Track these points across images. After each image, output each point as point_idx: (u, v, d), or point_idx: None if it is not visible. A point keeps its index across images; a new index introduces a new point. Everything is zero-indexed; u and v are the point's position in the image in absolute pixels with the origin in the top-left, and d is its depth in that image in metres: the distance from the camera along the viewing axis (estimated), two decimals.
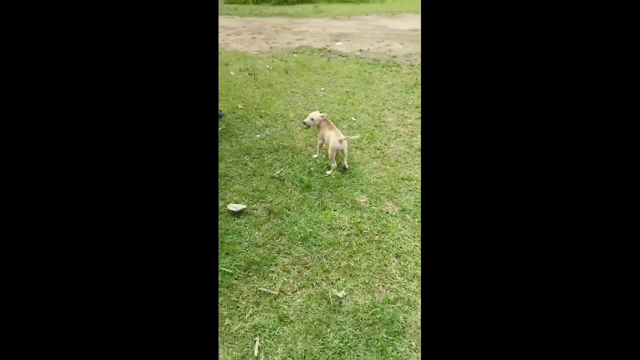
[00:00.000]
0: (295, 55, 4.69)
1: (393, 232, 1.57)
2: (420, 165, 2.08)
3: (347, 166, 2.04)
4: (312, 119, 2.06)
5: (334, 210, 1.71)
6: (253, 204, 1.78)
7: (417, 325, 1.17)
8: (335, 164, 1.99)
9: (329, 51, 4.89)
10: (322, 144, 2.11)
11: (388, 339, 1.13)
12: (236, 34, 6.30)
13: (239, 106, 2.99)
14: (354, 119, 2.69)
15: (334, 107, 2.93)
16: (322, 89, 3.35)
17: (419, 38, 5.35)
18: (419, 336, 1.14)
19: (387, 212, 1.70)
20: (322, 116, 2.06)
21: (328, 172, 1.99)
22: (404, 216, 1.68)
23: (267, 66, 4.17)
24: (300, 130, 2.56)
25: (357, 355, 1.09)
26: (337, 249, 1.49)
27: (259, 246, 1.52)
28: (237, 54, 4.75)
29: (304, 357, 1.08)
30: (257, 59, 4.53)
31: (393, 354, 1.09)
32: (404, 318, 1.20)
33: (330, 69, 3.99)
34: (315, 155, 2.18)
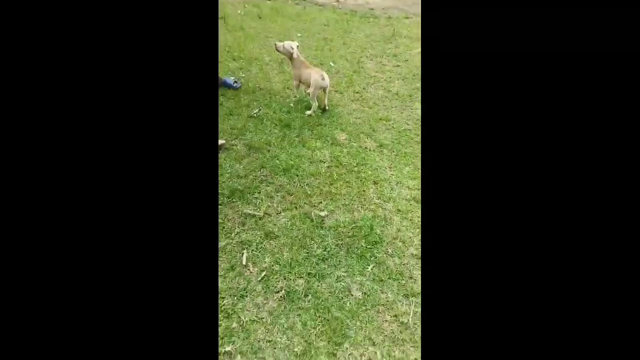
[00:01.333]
0: (268, 2, 4.39)
1: (371, 164, 1.65)
2: (396, 108, 2.14)
3: (327, 107, 2.04)
4: (284, 47, 1.98)
5: (315, 145, 1.74)
6: (232, 140, 1.76)
7: (392, 236, 1.29)
8: (317, 103, 1.99)
9: (304, 0, 4.63)
10: (298, 85, 2.07)
11: (367, 247, 1.24)
12: None
13: None
14: (332, 64, 2.66)
15: (312, 52, 2.85)
16: (299, 34, 3.22)
17: None
18: (395, 245, 1.26)
19: (365, 148, 1.77)
20: (293, 47, 1.96)
21: (308, 112, 1.99)
22: (382, 150, 1.76)
23: (239, 11, 3.88)
24: (277, 72, 2.49)
25: (339, 261, 1.19)
26: (318, 179, 1.55)
27: (241, 177, 1.53)
28: None
29: (290, 264, 1.16)
30: (226, 4, 4.19)
31: (372, 258, 1.20)
32: (381, 230, 1.31)
33: (306, 16, 3.81)
34: (294, 97, 2.15)
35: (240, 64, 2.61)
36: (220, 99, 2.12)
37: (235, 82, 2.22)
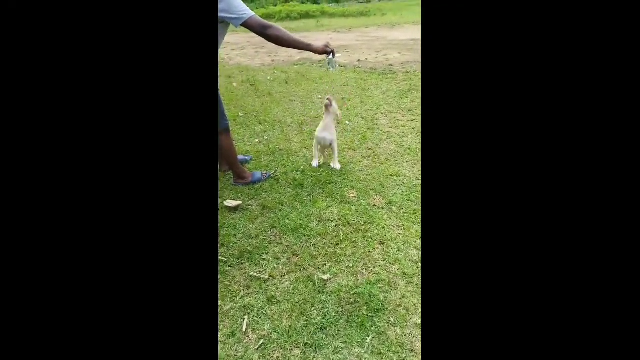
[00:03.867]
0: (295, 67, 4.91)
1: (379, 222, 1.66)
2: (408, 163, 2.17)
3: (336, 166, 2.12)
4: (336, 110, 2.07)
5: (324, 204, 1.81)
6: (248, 201, 1.90)
7: (395, 303, 1.25)
8: (316, 160, 2.14)
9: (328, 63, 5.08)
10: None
11: (368, 315, 1.21)
12: (240, 49, 6.61)
13: (240, 114, 3.16)
14: (348, 123, 2.82)
15: None
16: (319, 96, 3.51)
17: (416, 47, 5.55)
18: (398, 313, 1.21)
19: (374, 205, 1.79)
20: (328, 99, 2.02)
21: (314, 164, 2.16)
22: (390, 208, 1.76)
23: (269, 77, 4.38)
24: (297, 133, 2.69)
25: (338, 330, 1.17)
26: (325, 238, 1.58)
27: (252, 237, 1.62)
28: (240, 67, 4.99)
29: (288, 332, 1.16)
30: (259, 71, 4.76)
31: (372, 328, 1.16)
32: (384, 297, 1.27)
33: (328, 78, 4.17)
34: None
35: (264, 126, 2.88)
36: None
37: (264, 174, 2.09)
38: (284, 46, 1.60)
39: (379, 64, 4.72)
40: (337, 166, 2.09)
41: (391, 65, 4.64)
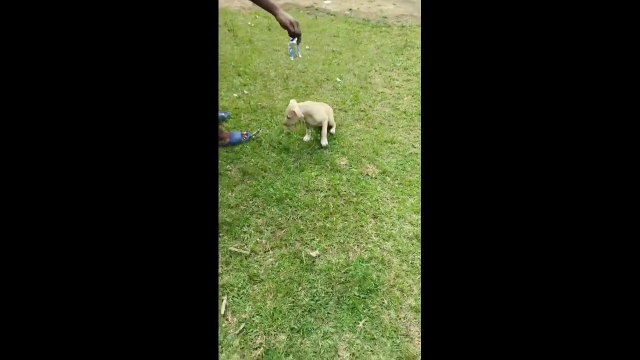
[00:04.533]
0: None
1: (371, 194, 1.52)
2: (403, 128, 2.00)
3: (323, 142, 1.79)
4: (289, 118, 1.63)
5: (312, 173, 1.64)
6: (227, 165, 1.69)
7: (389, 283, 1.16)
8: (308, 135, 1.84)
9: (316, 9, 4.56)
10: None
11: (360, 296, 1.11)
12: None
13: None
14: (339, 80, 2.55)
15: (319, 67, 2.76)
16: (307, 47, 3.14)
17: None
18: (392, 294, 1.13)
19: (367, 175, 1.64)
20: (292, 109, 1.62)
21: (305, 139, 1.87)
22: (384, 178, 1.62)
23: (249, 23, 3.86)
24: (281, 89, 2.41)
25: (328, 313, 1.07)
26: (313, 210, 1.44)
27: (231, 207, 1.45)
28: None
29: (273, 315, 1.05)
30: (237, 14, 4.19)
31: (364, 311, 1.08)
32: (377, 276, 1.18)
33: (316, 27, 3.73)
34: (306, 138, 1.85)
35: (244, 79, 2.55)
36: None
37: (244, 134, 1.84)
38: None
39: (372, 15, 4.28)
40: (325, 143, 1.79)
41: (385, 17, 4.22)
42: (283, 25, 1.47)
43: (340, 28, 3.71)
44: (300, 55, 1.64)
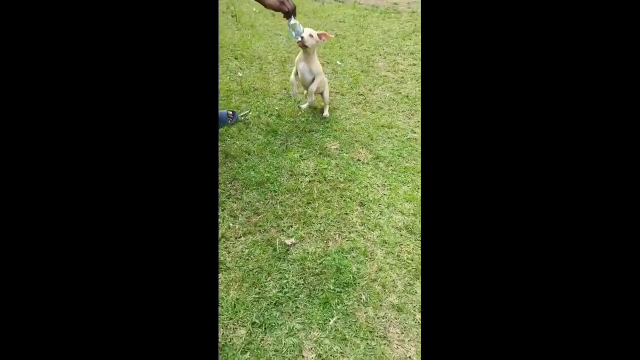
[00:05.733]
0: None
1: (361, 180, 1.38)
2: (404, 113, 1.85)
3: (326, 114, 1.77)
4: (311, 35, 1.53)
5: (298, 155, 1.51)
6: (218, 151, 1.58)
7: (370, 277, 1.02)
8: (304, 100, 1.76)
9: (291, 29, 4.41)
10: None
11: (335, 290, 0.98)
12: None
13: None
14: (339, 63, 2.40)
15: (320, 50, 2.61)
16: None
17: None
18: (371, 289, 0.99)
19: (358, 160, 1.50)
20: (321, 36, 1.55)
21: (303, 106, 1.78)
22: (377, 164, 1.48)
23: (254, 9, 3.75)
24: (277, 72, 2.29)
25: (296, 307, 0.95)
26: (294, 196, 1.31)
27: None
28: None
29: (234, 307, 0.94)
30: (243, 1, 4.09)
31: (338, 307, 0.95)
32: (357, 269, 1.04)
33: (323, 12, 3.59)
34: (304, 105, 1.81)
35: (240, 62, 2.45)
36: None
37: (230, 115, 1.71)
38: None
39: (382, 2, 4.09)
40: (327, 114, 1.73)
41: (396, 4, 4.02)
42: (274, 8, 1.30)
43: (347, 14, 3.55)
44: (302, 31, 1.50)
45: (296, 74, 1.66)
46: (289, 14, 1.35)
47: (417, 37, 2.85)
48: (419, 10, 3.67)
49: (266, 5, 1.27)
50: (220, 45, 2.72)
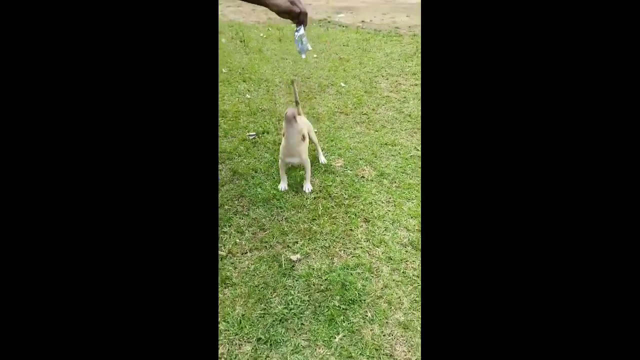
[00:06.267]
0: (293, 25, 4.44)
1: (365, 197, 1.40)
2: (407, 131, 1.89)
3: (307, 189, 1.44)
4: (304, 137, 1.37)
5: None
6: (218, 165, 1.63)
7: (376, 294, 1.02)
8: (284, 183, 1.46)
9: (329, 22, 4.62)
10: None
11: (340, 307, 0.98)
12: (236, 6, 6.03)
13: (223, 70, 2.81)
14: (343, 85, 2.49)
15: (324, 73, 2.72)
16: (315, 56, 3.13)
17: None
18: (377, 306, 0.98)
19: (362, 177, 1.53)
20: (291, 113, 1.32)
21: (281, 187, 1.46)
22: (381, 181, 1.50)
23: (261, 34, 3.94)
24: (284, 94, 2.37)
25: (302, 324, 0.94)
26: (300, 212, 1.34)
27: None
28: (233, 24, 4.52)
29: (240, 322, 0.94)
30: (252, 28, 4.31)
31: (344, 324, 0.94)
32: (363, 285, 1.04)
33: (327, 37, 3.74)
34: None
35: (249, 85, 2.55)
36: (219, 120, 2.04)
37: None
38: None
39: (384, 26, 4.26)
40: (309, 189, 1.44)
41: (398, 27, 4.19)
42: (283, 12, 1.04)
43: (351, 38, 3.70)
44: (310, 48, 1.29)
45: (284, 166, 1.45)
46: (300, 18, 1.11)
47: (419, 59, 2.94)
48: (420, 33, 3.82)
49: (274, 7, 1.04)
50: (229, 69, 2.85)
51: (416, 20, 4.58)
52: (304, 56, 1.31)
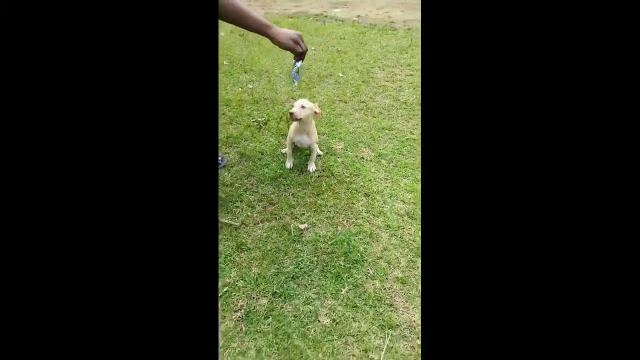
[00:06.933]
0: (290, 19, 4.52)
1: (365, 175, 1.52)
2: (403, 117, 2.00)
3: (311, 168, 1.55)
4: (303, 107, 1.37)
5: (308, 154, 1.65)
6: (226, 149, 1.73)
7: (376, 255, 1.14)
8: (290, 162, 1.57)
9: (325, 16, 4.70)
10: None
11: (345, 266, 1.10)
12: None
13: (224, 62, 2.89)
14: (341, 75, 2.59)
15: (323, 64, 2.82)
16: (313, 48, 3.22)
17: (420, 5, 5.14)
18: (378, 265, 1.10)
19: (362, 158, 1.64)
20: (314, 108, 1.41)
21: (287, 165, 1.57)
22: (379, 161, 1.62)
23: None
24: (284, 84, 2.47)
25: (311, 280, 1.06)
26: (305, 189, 1.45)
27: (227, 185, 1.48)
28: None
29: (256, 280, 1.05)
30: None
31: (348, 279, 1.06)
32: (364, 249, 1.16)
33: (324, 31, 3.84)
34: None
35: (250, 76, 2.64)
36: (224, 108, 2.13)
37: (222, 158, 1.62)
38: (237, 24, 1.07)
39: (379, 20, 4.37)
40: (313, 168, 1.55)
41: (392, 22, 4.30)
42: (285, 47, 1.12)
43: (347, 31, 3.80)
44: (302, 78, 1.35)
45: (292, 145, 1.53)
46: (301, 55, 1.19)
47: (413, 51, 3.06)
48: (415, 27, 3.93)
49: (279, 44, 1.13)
50: (230, 61, 2.93)
51: (410, 15, 4.69)
52: (296, 84, 1.36)
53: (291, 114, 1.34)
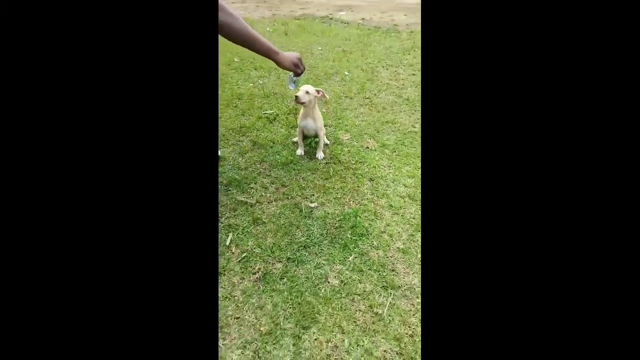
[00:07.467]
0: (297, 20, 4.67)
1: (370, 162, 1.64)
2: (405, 112, 2.12)
3: (319, 156, 1.66)
4: (308, 92, 1.52)
5: (317, 142, 1.77)
6: (239, 137, 1.85)
7: (380, 230, 1.25)
8: (301, 149, 1.70)
9: (331, 19, 4.86)
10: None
11: (352, 238, 1.22)
12: (241, 2, 6.24)
13: (235, 60, 3.02)
14: (347, 73, 2.72)
15: (329, 63, 2.95)
16: (320, 48, 3.36)
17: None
18: (381, 238, 1.22)
19: (367, 147, 1.77)
20: (318, 92, 1.56)
21: (298, 152, 1.70)
22: (383, 150, 1.74)
23: (268, 29, 4.17)
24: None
25: (321, 249, 1.17)
26: (315, 173, 1.57)
27: (241, 169, 1.60)
28: None
29: (272, 248, 1.17)
30: (258, 23, 4.52)
31: (355, 249, 1.17)
32: (369, 224, 1.28)
33: (330, 32, 3.98)
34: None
35: (260, 73, 2.77)
36: (236, 101, 2.26)
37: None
38: (234, 41, 1.16)
39: (383, 23, 4.52)
40: (321, 156, 1.66)
41: (396, 25, 4.44)
42: (288, 70, 1.31)
43: (352, 33, 3.94)
44: (298, 86, 1.48)
45: (301, 132, 1.68)
46: (299, 74, 1.35)
47: (416, 52, 3.19)
48: (418, 30, 4.07)
49: (283, 68, 1.30)
50: (241, 59, 3.06)
51: (413, 18, 4.84)
52: (292, 88, 1.48)
53: (296, 97, 1.50)
